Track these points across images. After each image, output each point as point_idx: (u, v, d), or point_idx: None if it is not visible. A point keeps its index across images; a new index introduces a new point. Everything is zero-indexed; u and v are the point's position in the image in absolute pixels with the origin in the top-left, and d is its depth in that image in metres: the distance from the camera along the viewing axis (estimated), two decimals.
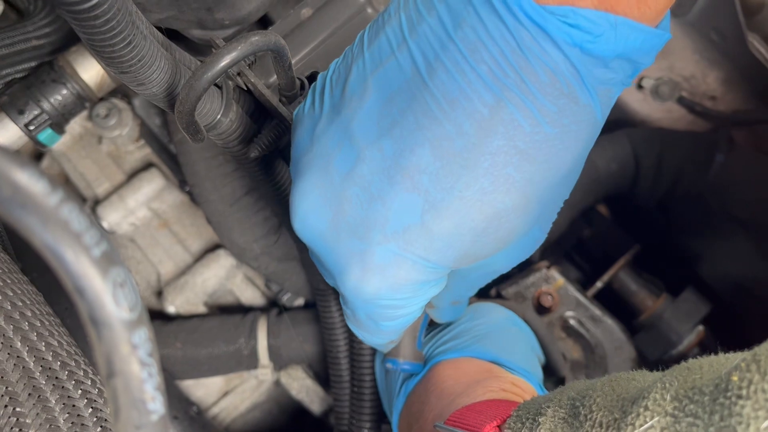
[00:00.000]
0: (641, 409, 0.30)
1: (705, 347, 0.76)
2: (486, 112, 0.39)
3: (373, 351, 0.65)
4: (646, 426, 0.29)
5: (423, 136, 0.40)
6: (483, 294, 0.77)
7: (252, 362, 0.72)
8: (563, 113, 0.39)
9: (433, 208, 0.41)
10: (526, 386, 0.52)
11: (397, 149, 0.41)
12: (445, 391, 0.50)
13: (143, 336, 0.24)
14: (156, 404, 0.25)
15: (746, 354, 0.28)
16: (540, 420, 0.36)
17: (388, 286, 0.43)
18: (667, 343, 0.75)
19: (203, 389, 0.79)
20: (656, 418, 0.29)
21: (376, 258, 0.43)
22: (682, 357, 0.77)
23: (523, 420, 0.38)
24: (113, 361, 0.24)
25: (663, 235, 0.83)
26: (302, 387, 0.77)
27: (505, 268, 0.51)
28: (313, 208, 0.44)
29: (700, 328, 0.75)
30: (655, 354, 0.75)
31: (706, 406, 0.28)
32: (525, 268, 0.75)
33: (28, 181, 0.22)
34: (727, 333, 0.76)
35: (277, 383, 0.79)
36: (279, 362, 0.73)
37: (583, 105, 0.40)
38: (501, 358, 0.54)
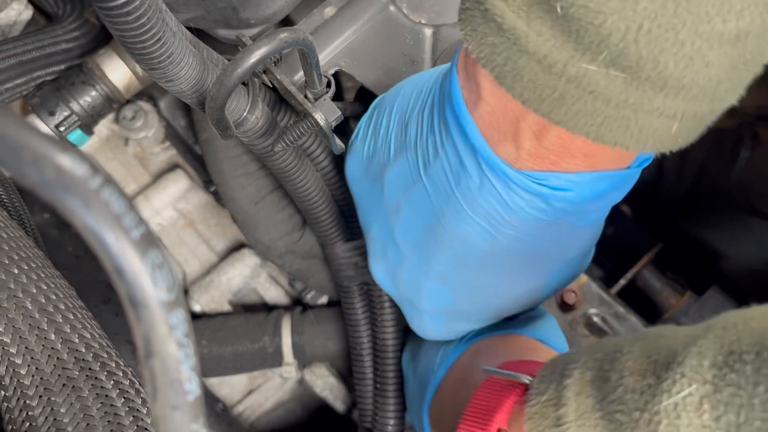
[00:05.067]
0: (677, 376, 0.30)
1: None
2: (485, 247, 0.47)
3: (397, 348, 0.66)
4: (683, 393, 0.29)
5: (441, 251, 0.49)
6: None
7: (276, 360, 0.73)
8: (560, 236, 0.46)
9: (463, 293, 0.52)
10: None
11: (425, 256, 0.51)
12: (495, 354, 0.52)
13: (180, 317, 0.25)
14: (192, 385, 0.25)
15: None
16: (566, 383, 0.36)
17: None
18: None
19: (228, 388, 0.79)
20: (694, 386, 0.29)
21: (426, 321, 0.57)
22: None
23: (549, 381, 0.37)
24: (151, 342, 0.24)
25: (686, 233, 0.82)
26: (326, 384, 0.77)
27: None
28: (379, 277, 0.58)
29: None
30: None
31: (749, 376, 0.27)
32: None
33: (71, 164, 0.23)
34: None
35: (301, 381, 0.80)
36: (303, 360, 0.74)
37: (576, 227, 0.46)
38: (545, 337, 0.54)
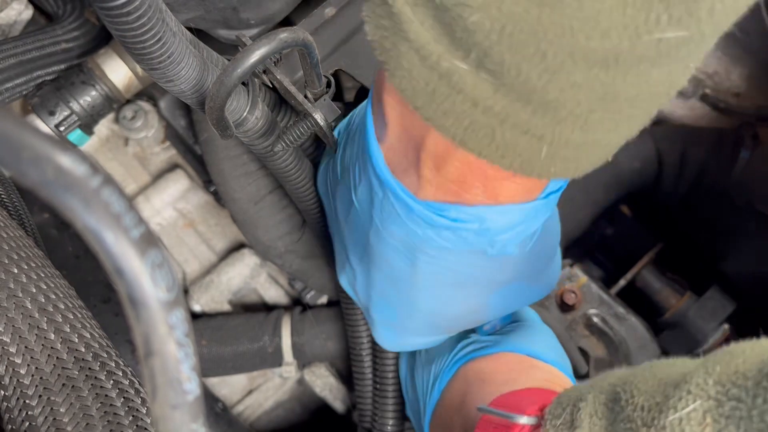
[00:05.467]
0: (683, 393, 0.30)
1: None
2: (408, 269, 0.48)
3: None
4: (688, 409, 0.29)
5: (376, 270, 0.51)
6: None
7: (276, 360, 0.73)
8: (478, 263, 0.46)
9: (403, 310, 0.53)
10: (565, 379, 0.52)
11: (367, 274, 0.53)
12: (487, 380, 0.52)
13: (180, 316, 0.25)
14: (192, 384, 0.25)
15: None
16: (581, 405, 0.36)
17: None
18: (692, 342, 0.75)
19: (227, 388, 0.79)
20: (698, 402, 0.29)
21: (381, 333, 0.59)
22: None
23: (564, 406, 0.37)
24: (151, 341, 0.24)
25: (686, 233, 0.82)
26: (326, 384, 0.77)
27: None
28: (344, 286, 0.60)
29: (726, 326, 0.74)
30: (680, 353, 0.75)
31: (749, 390, 0.28)
32: None
33: (71, 164, 0.23)
34: (753, 332, 0.75)
35: (300, 381, 0.80)
36: (303, 360, 0.74)
37: (493, 255, 0.45)
38: (538, 352, 0.54)
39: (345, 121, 0.53)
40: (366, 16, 0.37)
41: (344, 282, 0.59)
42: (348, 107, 0.66)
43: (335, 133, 0.54)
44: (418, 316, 0.53)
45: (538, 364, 0.53)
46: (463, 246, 0.44)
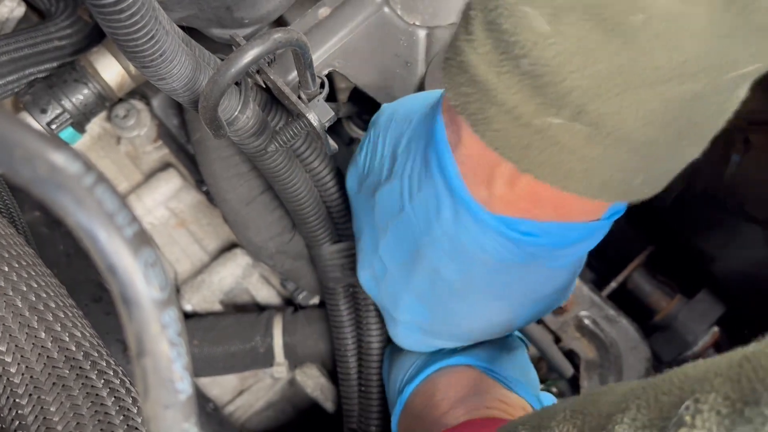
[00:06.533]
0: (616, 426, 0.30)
1: (720, 348, 0.76)
2: (458, 278, 0.48)
3: (381, 350, 0.66)
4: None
5: (419, 275, 0.51)
6: None
7: (268, 360, 0.73)
8: (532, 276, 0.47)
9: (439, 316, 0.53)
10: (516, 401, 0.53)
11: (406, 275, 0.52)
12: (434, 406, 0.54)
13: (173, 315, 0.25)
14: (184, 384, 0.25)
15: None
16: None
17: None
18: (682, 344, 0.75)
19: (218, 388, 0.79)
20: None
21: (400, 332, 0.58)
22: (697, 358, 0.77)
23: None
24: (143, 341, 0.24)
25: (677, 236, 0.83)
26: (317, 385, 0.77)
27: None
28: (364, 282, 0.59)
29: (715, 329, 0.75)
30: (670, 355, 0.75)
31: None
32: None
33: (64, 161, 0.23)
34: (742, 334, 0.76)
35: (291, 382, 0.80)
36: (294, 360, 0.73)
37: (549, 268, 0.46)
38: (494, 367, 0.55)
39: (385, 117, 0.52)
40: (445, 84, 0.39)
41: (366, 277, 0.58)
42: (341, 108, 0.66)
43: (370, 130, 0.53)
44: (451, 321, 0.53)
45: (489, 387, 0.54)
46: (526, 260, 0.45)
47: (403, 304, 0.55)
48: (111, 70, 0.67)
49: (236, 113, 0.49)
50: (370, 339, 0.65)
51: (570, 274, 0.50)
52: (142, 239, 0.24)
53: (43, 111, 0.64)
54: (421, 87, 0.61)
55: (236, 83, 0.49)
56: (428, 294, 0.52)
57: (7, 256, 0.45)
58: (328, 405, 0.78)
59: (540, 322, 0.74)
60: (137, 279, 0.24)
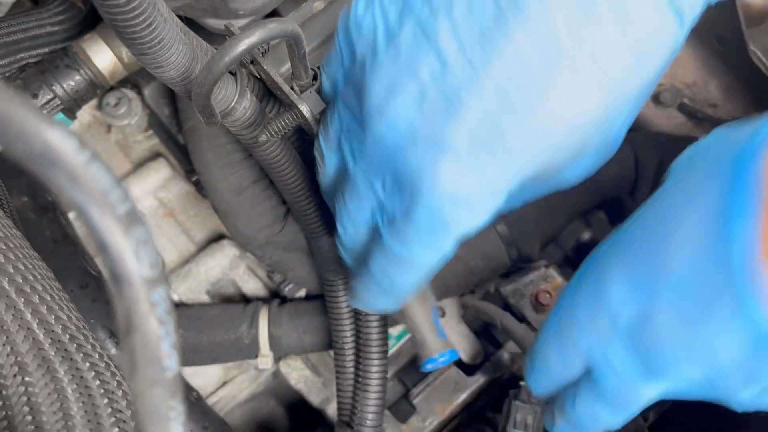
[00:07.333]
0: None
1: None
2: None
3: (381, 342, 0.66)
4: None
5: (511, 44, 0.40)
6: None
7: (252, 351, 0.73)
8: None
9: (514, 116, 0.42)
10: None
11: (486, 56, 0.40)
12: None
13: (162, 294, 0.25)
14: (171, 362, 0.26)
15: None
16: None
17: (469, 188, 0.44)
18: None
19: (201, 379, 0.79)
20: None
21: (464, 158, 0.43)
22: None
23: None
24: (132, 318, 0.25)
25: None
26: (301, 377, 0.77)
27: (575, 178, 0.50)
28: (404, 104, 0.44)
29: None
30: None
31: None
32: (524, 266, 0.77)
33: (59, 138, 0.23)
34: None
35: (276, 374, 0.80)
36: (279, 352, 0.74)
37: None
38: None
39: None
40: None
41: None
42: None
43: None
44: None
45: None
46: None
47: None
48: (103, 57, 0.67)
49: (233, 103, 0.50)
50: (370, 331, 0.65)
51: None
52: (134, 217, 0.24)
53: (34, 96, 0.64)
54: None
55: (232, 73, 0.50)
56: None
57: None
58: (312, 397, 0.78)
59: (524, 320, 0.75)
60: (128, 256, 0.24)
